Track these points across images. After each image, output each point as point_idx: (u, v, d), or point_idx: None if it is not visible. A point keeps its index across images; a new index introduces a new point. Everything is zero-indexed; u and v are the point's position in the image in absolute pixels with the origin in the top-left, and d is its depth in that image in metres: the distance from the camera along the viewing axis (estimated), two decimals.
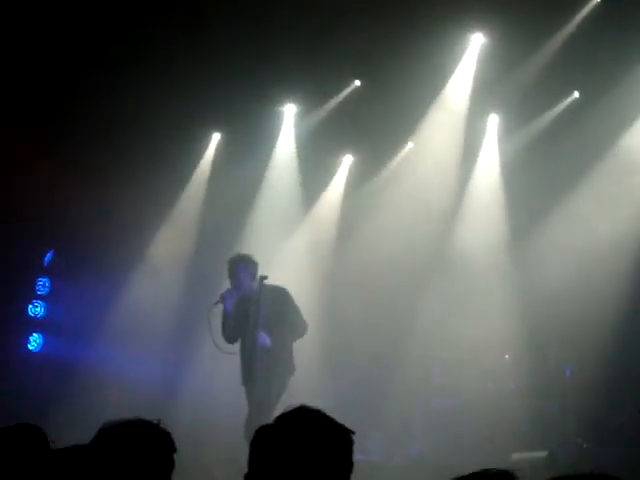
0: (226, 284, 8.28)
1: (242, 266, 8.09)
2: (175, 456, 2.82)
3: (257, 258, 8.26)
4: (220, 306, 8.11)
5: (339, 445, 2.48)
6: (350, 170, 12.43)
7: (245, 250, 8.66)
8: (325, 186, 12.46)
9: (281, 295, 8.10)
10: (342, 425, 2.53)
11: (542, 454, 9.22)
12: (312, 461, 2.43)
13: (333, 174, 12.49)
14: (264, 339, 7.92)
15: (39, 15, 9.32)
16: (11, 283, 11.12)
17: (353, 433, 2.52)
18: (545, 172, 10.69)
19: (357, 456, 2.55)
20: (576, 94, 10.86)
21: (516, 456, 9.38)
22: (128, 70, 9.73)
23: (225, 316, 8.10)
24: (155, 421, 2.86)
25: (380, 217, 11.63)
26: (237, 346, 8.20)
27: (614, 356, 9.66)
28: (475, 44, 10.30)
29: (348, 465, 2.50)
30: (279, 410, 2.58)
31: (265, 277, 8.08)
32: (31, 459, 3.18)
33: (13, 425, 3.56)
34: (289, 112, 11.68)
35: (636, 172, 10.48)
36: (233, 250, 10.42)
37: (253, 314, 7.97)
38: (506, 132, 11.40)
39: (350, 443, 2.51)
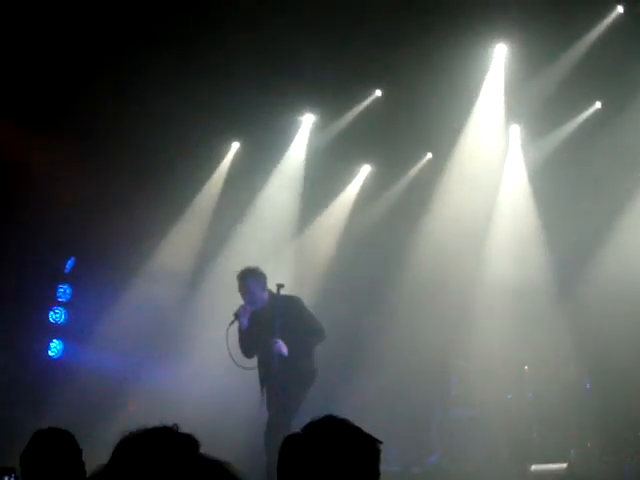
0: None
1: (252, 279, 8.12)
2: None
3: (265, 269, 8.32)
4: (236, 323, 8.16)
5: (367, 454, 2.51)
6: (367, 180, 12.42)
7: (256, 256, 8.64)
8: (345, 193, 12.47)
9: (295, 303, 8.14)
10: (369, 435, 2.55)
11: (561, 466, 9.16)
12: (340, 470, 2.45)
13: (351, 183, 12.49)
14: (280, 347, 7.93)
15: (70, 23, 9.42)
16: (32, 290, 11.19)
17: (381, 443, 2.55)
18: (570, 184, 10.65)
19: None
20: (598, 104, 10.84)
21: (535, 468, 9.32)
22: (150, 79, 9.78)
23: (241, 332, 8.15)
24: (174, 426, 2.86)
25: (402, 228, 11.63)
26: (255, 360, 8.22)
27: (635, 368, 9.60)
28: (498, 55, 10.30)
29: (375, 474, 2.52)
30: (300, 419, 2.61)
31: (282, 285, 8.11)
32: (67, 461, 3.22)
33: (46, 429, 3.63)
34: (307, 121, 11.71)
35: None
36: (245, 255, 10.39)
37: (269, 323, 7.99)
38: (527, 142, 11.35)
39: (377, 452, 2.53)
